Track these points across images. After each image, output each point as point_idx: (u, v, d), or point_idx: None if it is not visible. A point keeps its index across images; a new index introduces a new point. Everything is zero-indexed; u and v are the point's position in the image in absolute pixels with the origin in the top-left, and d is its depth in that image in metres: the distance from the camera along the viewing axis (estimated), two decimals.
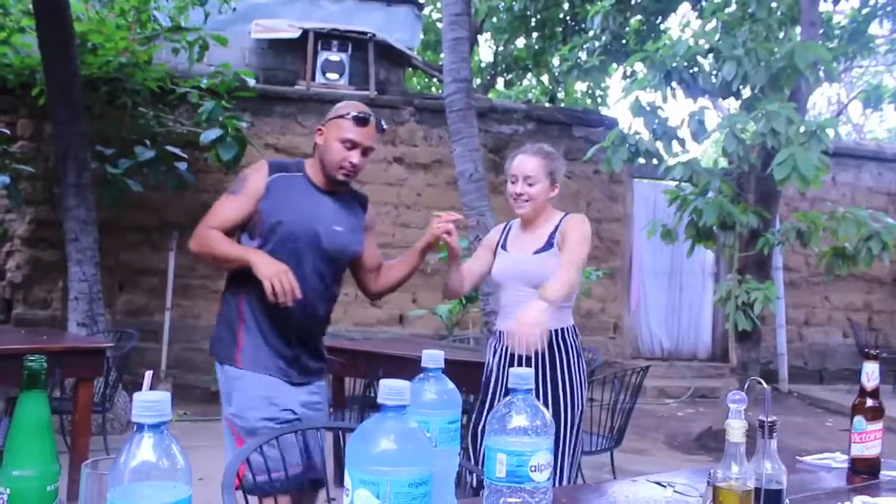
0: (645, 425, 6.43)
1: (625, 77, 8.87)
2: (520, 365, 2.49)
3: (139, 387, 1.02)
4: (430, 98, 8.16)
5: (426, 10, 11.62)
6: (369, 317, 7.57)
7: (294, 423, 2.20)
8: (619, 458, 4.21)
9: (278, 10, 7.96)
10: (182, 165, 6.36)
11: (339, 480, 3.13)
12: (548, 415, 1.24)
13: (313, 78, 7.61)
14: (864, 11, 7.62)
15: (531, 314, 2.29)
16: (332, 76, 7.66)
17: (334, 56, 7.67)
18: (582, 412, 2.60)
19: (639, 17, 9.03)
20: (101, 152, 6.14)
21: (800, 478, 1.68)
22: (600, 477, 4.18)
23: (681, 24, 10.64)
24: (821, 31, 6.56)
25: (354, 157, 2.29)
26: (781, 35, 6.28)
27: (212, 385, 5.92)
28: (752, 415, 1.29)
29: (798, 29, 6.48)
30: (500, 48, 12.43)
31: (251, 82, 6.75)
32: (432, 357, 1.28)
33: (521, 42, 12.07)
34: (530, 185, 2.59)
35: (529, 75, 13.30)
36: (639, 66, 7.74)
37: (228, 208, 2.28)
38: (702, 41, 6.14)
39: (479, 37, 11.84)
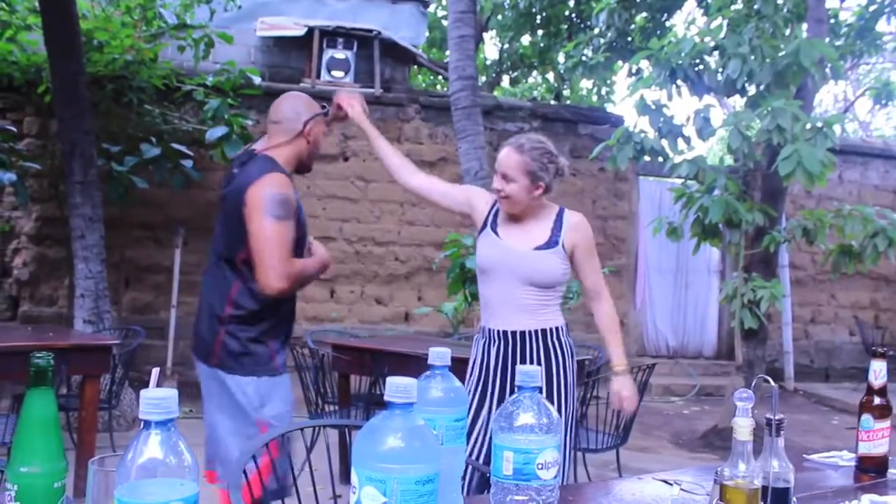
0: (650, 423, 6.42)
1: (630, 75, 8.84)
2: (513, 365, 2.47)
3: (145, 384, 1.02)
4: (436, 96, 8.15)
5: (431, 8, 11.58)
6: (374, 314, 7.58)
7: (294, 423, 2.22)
8: (625, 456, 4.21)
9: (284, 7, 7.96)
10: (188, 163, 6.38)
11: (345, 478, 3.11)
12: (555, 413, 1.24)
13: (318, 76, 7.61)
14: (872, 8, 7.57)
15: (628, 389, 2.60)
16: (338, 74, 7.66)
17: (340, 54, 7.67)
18: (575, 409, 2.61)
19: (644, 14, 8.99)
20: (107, 150, 6.15)
21: (807, 476, 1.68)
22: (606, 475, 4.18)
23: (686, 22, 10.61)
24: (828, 28, 6.53)
25: None
26: (788, 32, 6.24)
27: None
28: (758, 413, 1.29)
29: (804, 26, 6.44)
30: (506, 45, 12.40)
31: (257, 80, 6.75)
32: (439, 355, 1.27)
33: (526, 39, 12.04)
34: (507, 182, 2.46)
35: (535, 73, 13.29)
36: (644, 64, 7.71)
37: (290, 237, 2.27)
38: (707, 38, 6.11)
39: (484, 34, 11.81)
